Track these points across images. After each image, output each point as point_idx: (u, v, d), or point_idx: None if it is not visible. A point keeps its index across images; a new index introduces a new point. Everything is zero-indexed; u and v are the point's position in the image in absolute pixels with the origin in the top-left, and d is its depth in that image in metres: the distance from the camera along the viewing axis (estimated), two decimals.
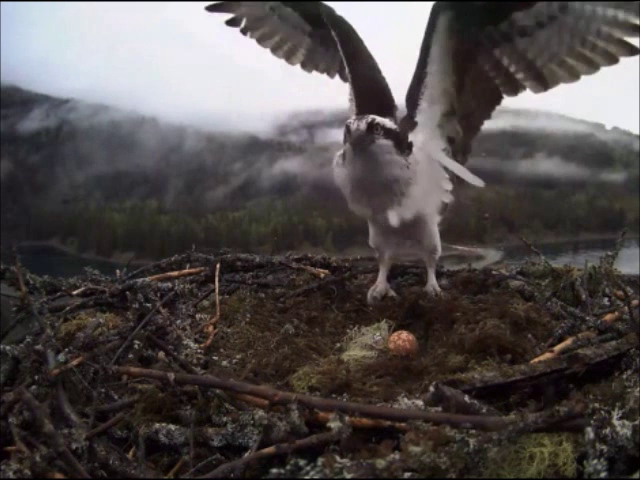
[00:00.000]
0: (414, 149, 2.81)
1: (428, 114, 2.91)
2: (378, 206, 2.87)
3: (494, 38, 2.73)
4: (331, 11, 3.35)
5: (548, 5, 2.58)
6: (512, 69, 2.84)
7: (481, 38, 2.74)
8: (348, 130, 2.66)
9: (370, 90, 3.19)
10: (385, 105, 3.10)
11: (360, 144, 2.64)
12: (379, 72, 3.35)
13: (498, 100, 2.98)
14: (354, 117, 2.71)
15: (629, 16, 2.51)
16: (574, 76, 2.74)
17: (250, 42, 3.90)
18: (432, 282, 3.13)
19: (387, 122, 2.73)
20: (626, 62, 2.60)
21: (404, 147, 2.76)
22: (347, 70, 3.28)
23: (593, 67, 2.67)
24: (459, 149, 3.14)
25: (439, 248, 3.14)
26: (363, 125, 2.62)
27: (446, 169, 3.03)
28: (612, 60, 2.61)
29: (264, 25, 3.77)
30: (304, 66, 3.81)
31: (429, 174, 2.94)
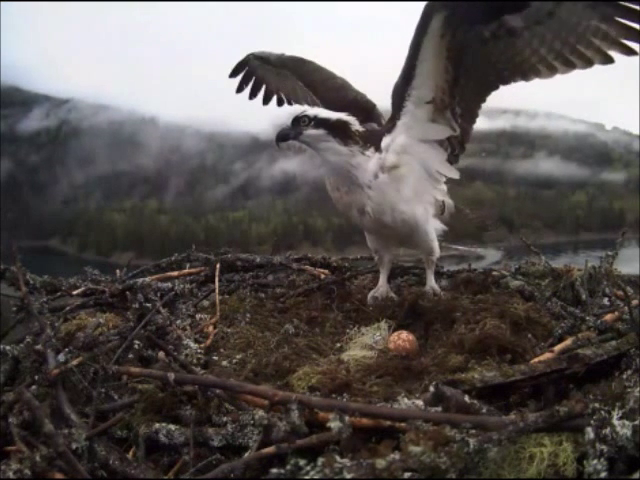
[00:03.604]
0: (389, 153, 2.86)
1: (415, 115, 2.89)
2: (353, 203, 2.93)
3: (484, 37, 2.67)
4: (280, 57, 3.77)
5: (537, 10, 2.52)
6: (500, 65, 2.78)
7: (471, 37, 2.69)
8: None
9: (340, 107, 3.19)
10: (362, 113, 3.12)
11: (281, 137, 2.85)
12: (344, 88, 3.50)
13: (495, 86, 2.92)
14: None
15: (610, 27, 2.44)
16: (555, 72, 2.68)
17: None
18: (431, 283, 3.14)
19: (322, 113, 2.88)
20: (626, 62, 2.57)
21: (353, 139, 2.85)
22: (315, 99, 3.56)
23: (586, 63, 2.59)
24: (458, 139, 3.09)
25: (437, 250, 3.14)
26: (290, 121, 2.83)
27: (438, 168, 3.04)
28: (607, 59, 2.53)
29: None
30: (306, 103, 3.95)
31: (415, 177, 2.95)
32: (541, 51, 2.63)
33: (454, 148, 3.09)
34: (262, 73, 4.04)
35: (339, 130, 2.85)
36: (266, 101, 4.12)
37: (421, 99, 2.88)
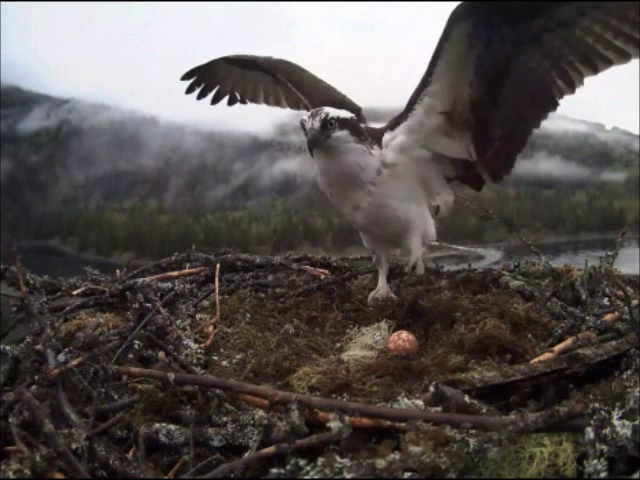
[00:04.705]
0: (388, 149, 2.86)
1: (422, 121, 2.85)
2: (348, 199, 2.91)
3: (533, 33, 2.46)
4: (268, 59, 3.82)
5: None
6: (562, 62, 2.50)
7: (515, 37, 2.49)
8: (303, 128, 2.75)
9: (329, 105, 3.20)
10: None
11: (316, 143, 2.72)
12: (331, 89, 3.58)
13: (553, 103, 2.60)
14: (309, 113, 2.78)
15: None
16: (628, 58, 2.42)
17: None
18: (417, 254, 3.09)
19: (342, 113, 2.81)
20: (626, 63, 2.53)
21: (364, 135, 2.84)
22: (303, 98, 3.54)
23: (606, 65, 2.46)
24: (494, 164, 2.90)
25: (432, 234, 3.14)
26: (317, 123, 2.70)
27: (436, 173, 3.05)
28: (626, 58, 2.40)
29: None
30: (267, 103, 4.23)
31: (410, 178, 2.95)
32: (607, 36, 2.34)
33: (472, 180, 3.09)
34: (224, 75, 4.18)
35: (356, 129, 2.83)
36: (215, 101, 4.28)
37: (433, 108, 2.82)
